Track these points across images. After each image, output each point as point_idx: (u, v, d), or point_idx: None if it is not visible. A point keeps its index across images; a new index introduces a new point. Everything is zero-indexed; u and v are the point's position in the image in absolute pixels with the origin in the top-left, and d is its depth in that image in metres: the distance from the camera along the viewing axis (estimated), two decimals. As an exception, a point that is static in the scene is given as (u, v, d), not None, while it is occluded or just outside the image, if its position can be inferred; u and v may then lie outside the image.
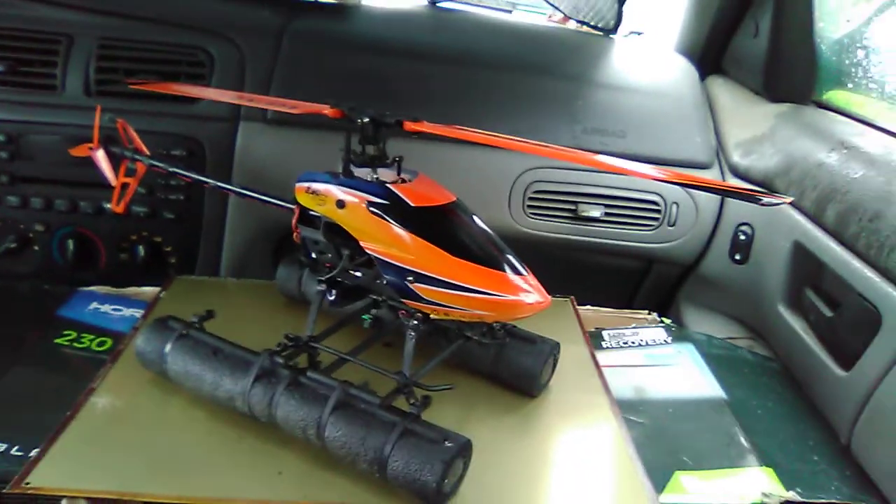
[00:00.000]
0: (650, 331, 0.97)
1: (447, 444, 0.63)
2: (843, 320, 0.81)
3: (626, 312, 1.03)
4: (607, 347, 0.94)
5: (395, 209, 0.68)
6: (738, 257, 1.02)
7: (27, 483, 0.63)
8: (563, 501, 0.67)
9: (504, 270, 0.66)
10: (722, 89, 1.17)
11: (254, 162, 1.03)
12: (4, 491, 0.63)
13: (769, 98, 1.09)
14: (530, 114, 1.05)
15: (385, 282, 0.70)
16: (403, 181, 0.71)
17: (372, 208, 0.69)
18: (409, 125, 0.69)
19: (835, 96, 1.06)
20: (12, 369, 0.80)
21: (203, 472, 0.67)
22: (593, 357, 0.90)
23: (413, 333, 0.71)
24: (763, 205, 0.55)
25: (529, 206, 1.04)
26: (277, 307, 0.96)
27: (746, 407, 0.84)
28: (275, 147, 1.03)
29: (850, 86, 1.03)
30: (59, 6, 1.04)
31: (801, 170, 0.92)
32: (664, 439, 0.78)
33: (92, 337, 0.87)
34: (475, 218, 0.70)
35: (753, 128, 1.05)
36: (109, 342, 0.86)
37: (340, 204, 0.71)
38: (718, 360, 0.92)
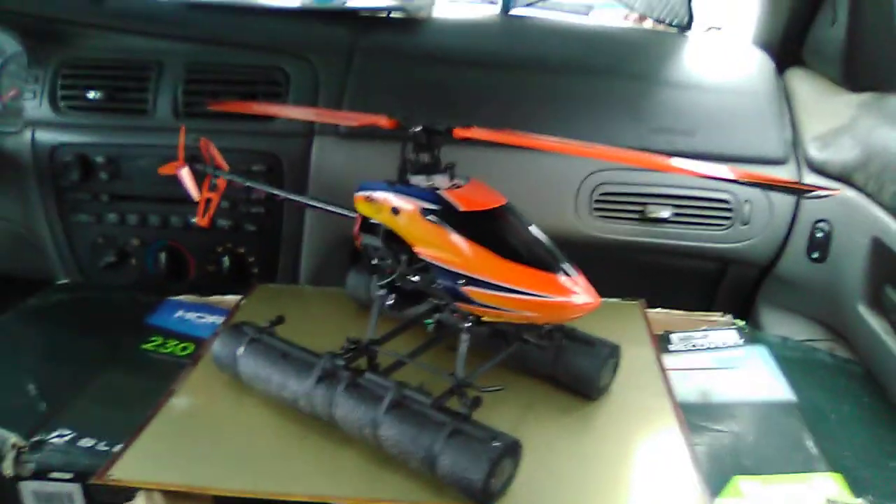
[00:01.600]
0: (721, 333, 0.94)
1: (494, 443, 0.64)
2: (923, 319, 0.77)
3: (699, 315, 1.00)
4: (675, 351, 0.92)
5: (446, 214, 0.70)
6: (815, 255, 0.97)
7: (110, 475, 0.69)
8: (612, 498, 0.67)
9: (553, 272, 0.67)
10: (802, 81, 1.12)
11: (328, 175, 1.07)
12: (89, 482, 0.69)
13: (850, 88, 1.04)
14: (596, 116, 1.04)
15: (439, 285, 0.72)
16: (456, 186, 0.73)
17: (425, 214, 0.71)
18: (459, 132, 0.71)
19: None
20: (104, 373, 0.87)
21: (268, 468, 0.71)
22: (658, 360, 0.88)
23: (466, 335, 0.72)
24: (806, 198, 0.54)
25: (596, 209, 1.04)
26: (349, 313, 0.99)
27: (819, 411, 0.80)
28: (347, 160, 1.07)
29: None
30: (150, 36, 1.13)
31: (880, 162, 0.87)
32: (726, 443, 0.75)
33: (176, 342, 0.93)
34: (525, 220, 0.71)
35: (833, 119, 1.00)
36: (192, 347, 0.93)
37: (395, 211, 0.73)
38: (793, 362, 0.88)
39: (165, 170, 1.00)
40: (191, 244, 1.14)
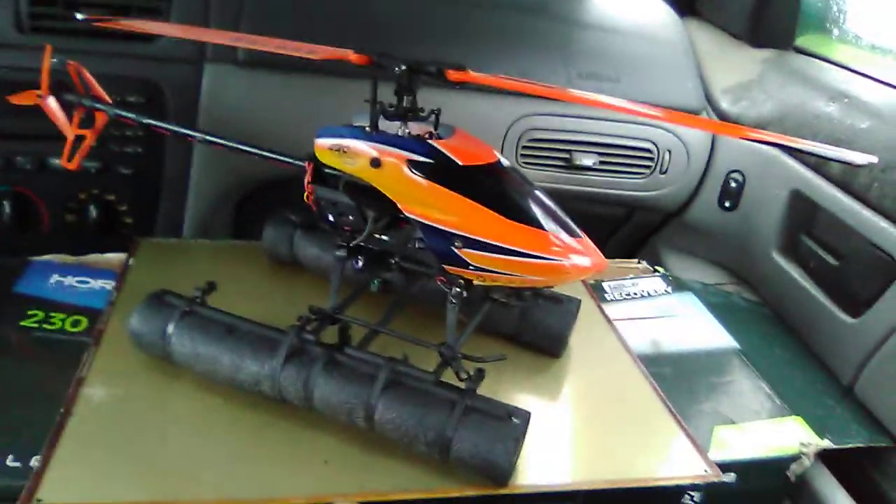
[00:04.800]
0: (648, 281, 0.97)
1: (514, 420, 0.60)
2: (852, 269, 0.83)
3: (619, 262, 1.02)
4: (611, 300, 0.93)
5: (441, 168, 0.62)
6: (727, 204, 1.02)
7: (39, 501, 0.54)
8: (616, 465, 0.66)
9: (559, 232, 0.62)
10: (700, 33, 1.15)
11: (223, 109, 0.92)
12: (11, 510, 0.54)
13: (751, 43, 1.09)
14: (523, 55, 0.99)
15: (425, 246, 0.64)
16: (439, 136, 0.65)
17: (413, 168, 0.62)
18: (453, 74, 0.63)
19: (811, 41, 1.07)
20: (-22, 361, 0.68)
21: (241, 467, 0.60)
22: (601, 311, 0.88)
23: (455, 302, 0.66)
24: (840, 161, 0.53)
25: (523, 155, 1.00)
26: (265, 272, 0.87)
27: (758, 355, 0.85)
28: (247, 92, 0.92)
29: (833, 32, 1.04)
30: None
31: (796, 119, 0.92)
32: (695, 394, 0.77)
33: (63, 316, 0.76)
34: (524, 177, 0.65)
35: (738, 73, 1.04)
36: (84, 321, 0.76)
37: (376, 163, 0.63)
38: (718, 308, 0.93)
39: (21, 98, 0.79)
40: (43, 190, 0.92)
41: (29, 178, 0.91)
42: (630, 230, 1.15)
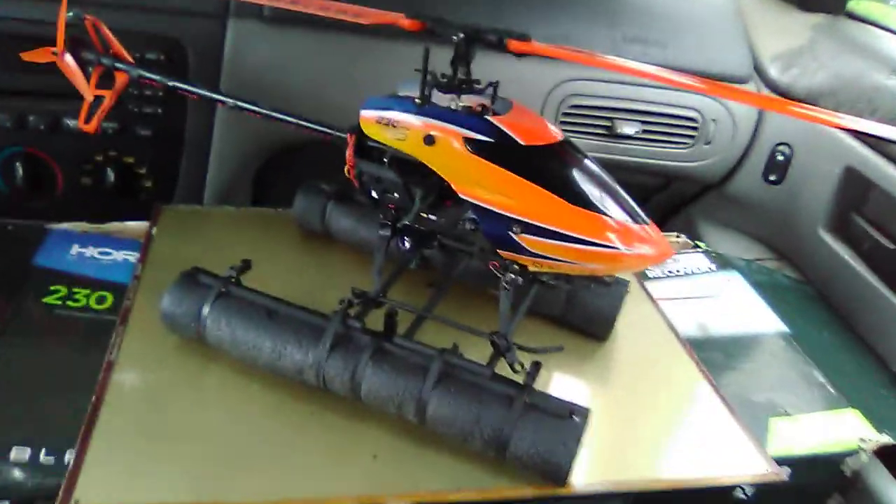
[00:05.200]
0: (691, 257, 0.93)
1: (575, 418, 0.57)
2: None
3: (657, 236, 0.98)
4: (653, 277, 0.89)
5: (502, 148, 0.57)
6: (772, 178, 0.98)
7: (76, 502, 0.51)
8: (672, 462, 0.63)
9: (624, 219, 0.58)
10: (746, -6, 1.09)
11: (248, 69, 0.86)
12: (49, 512, 0.51)
13: (801, 7, 1.03)
14: (568, 17, 0.93)
15: (477, 229, 0.60)
16: (496, 112, 0.60)
17: (471, 147, 0.58)
18: (515, 44, 0.58)
19: (864, 7, 1.02)
20: (1, 346, 0.64)
21: (285, 462, 0.57)
22: (645, 290, 0.85)
23: (509, 289, 0.62)
24: None
25: (563, 122, 0.95)
26: (294, 242, 0.83)
27: (808, 340, 0.82)
28: (275, 52, 0.86)
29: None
30: None
31: (852, 92, 0.87)
32: (745, 382, 0.75)
33: (87, 292, 0.71)
34: (590, 157, 0.61)
35: (789, 39, 0.98)
36: (110, 298, 0.72)
37: (429, 140, 0.59)
38: (763, 287, 0.90)
39: (35, 55, 0.73)
40: (57, 152, 0.87)
41: (42, 139, 0.86)
42: (664, 199, 1.10)
